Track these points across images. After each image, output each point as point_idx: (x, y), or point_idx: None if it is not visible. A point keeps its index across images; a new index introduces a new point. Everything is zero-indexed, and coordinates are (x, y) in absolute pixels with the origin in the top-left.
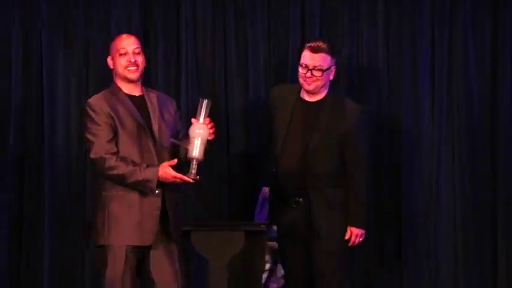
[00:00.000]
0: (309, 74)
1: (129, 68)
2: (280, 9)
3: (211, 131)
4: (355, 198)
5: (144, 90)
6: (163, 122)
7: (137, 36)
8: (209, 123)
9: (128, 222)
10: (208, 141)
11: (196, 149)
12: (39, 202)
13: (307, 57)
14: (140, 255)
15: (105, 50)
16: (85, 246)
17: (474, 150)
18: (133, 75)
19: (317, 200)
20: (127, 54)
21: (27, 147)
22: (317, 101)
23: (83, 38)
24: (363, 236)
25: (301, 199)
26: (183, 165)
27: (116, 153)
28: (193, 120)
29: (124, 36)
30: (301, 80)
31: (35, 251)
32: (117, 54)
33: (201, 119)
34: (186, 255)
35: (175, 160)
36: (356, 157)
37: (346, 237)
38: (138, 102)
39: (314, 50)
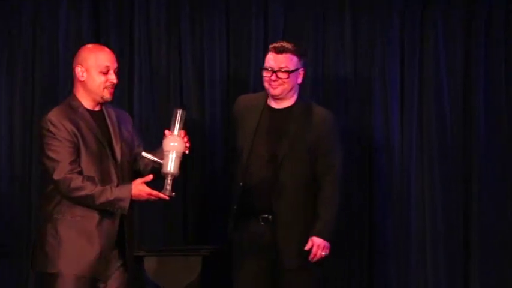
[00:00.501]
0: (273, 77)
1: (108, 89)
2: (241, 25)
3: (187, 144)
4: (324, 209)
5: (102, 105)
6: (124, 141)
7: None
8: (184, 135)
9: (81, 250)
10: (183, 154)
11: (171, 164)
12: None
13: (271, 58)
14: (91, 285)
15: (52, 59)
16: (29, 274)
17: (446, 164)
18: (110, 96)
19: (286, 218)
20: (108, 72)
21: None
22: (285, 108)
23: (29, 47)
24: (327, 250)
25: (270, 216)
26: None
27: (81, 172)
28: (167, 132)
29: (107, 50)
30: (266, 85)
31: None
32: (97, 70)
33: (176, 131)
34: (139, 284)
35: (151, 176)
36: (327, 167)
37: (307, 247)
38: (98, 118)
39: (278, 51)
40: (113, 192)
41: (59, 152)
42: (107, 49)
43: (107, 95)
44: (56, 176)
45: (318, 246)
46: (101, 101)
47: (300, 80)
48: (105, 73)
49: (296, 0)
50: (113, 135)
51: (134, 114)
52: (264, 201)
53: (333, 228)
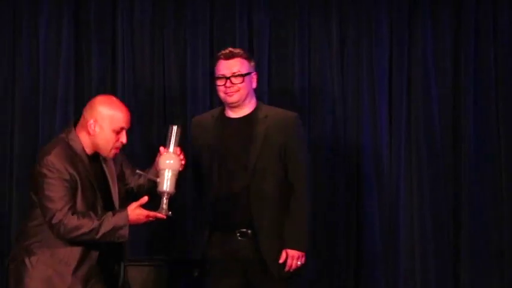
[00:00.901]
0: (228, 84)
1: (115, 149)
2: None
3: (182, 161)
4: (295, 216)
5: None
6: (118, 180)
7: None
8: (180, 152)
9: None
10: (179, 172)
11: (167, 182)
12: None
13: (222, 65)
14: None
15: (33, 62)
16: None
17: (435, 166)
18: (113, 156)
19: (269, 230)
20: (121, 133)
21: None
22: (246, 116)
23: (9, 50)
24: (303, 259)
25: (249, 230)
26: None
27: (76, 211)
28: (162, 149)
29: (124, 110)
30: (221, 95)
31: None
32: (110, 129)
33: (171, 148)
34: None
35: (146, 198)
36: (295, 172)
37: (281, 260)
38: (95, 163)
39: (228, 56)
40: (110, 222)
41: (58, 195)
42: (124, 108)
43: (111, 154)
44: (54, 220)
45: (292, 257)
46: (102, 155)
47: (254, 85)
48: (119, 133)
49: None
50: (110, 182)
51: None
52: (241, 214)
53: (306, 237)
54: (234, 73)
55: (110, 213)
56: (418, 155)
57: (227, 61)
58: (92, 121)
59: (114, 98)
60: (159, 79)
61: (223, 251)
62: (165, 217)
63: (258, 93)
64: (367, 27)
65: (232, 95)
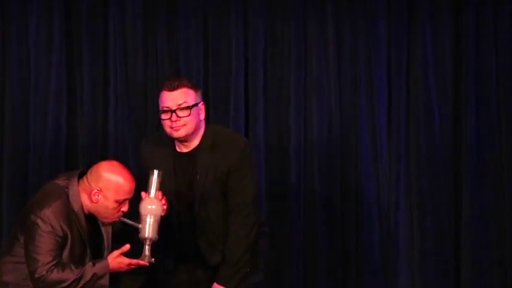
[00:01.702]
0: (174, 117)
1: (115, 218)
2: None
3: (164, 206)
4: (230, 252)
5: None
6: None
7: None
8: (162, 197)
9: None
10: (161, 217)
11: (149, 228)
12: None
13: (166, 98)
14: None
15: (23, 62)
16: None
17: (435, 169)
18: (111, 222)
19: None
20: (125, 205)
21: None
22: (193, 150)
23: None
24: None
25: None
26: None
27: (58, 264)
28: (143, 194)
29: (129, 179)
30: (168, 130)
31: None
32: (114, 200)
33: (152, 193)
34: None
35: (127, 246)
36: (236, 204)
37: None
38: (93, 225)
39: (172, 87)
40: (91, 272)
41: (47, 248)
42: (130, 178)
43: (108, 221)
44: (37, 274)
45: None
46: (101, 220)
47: (202, 116)
48: (122, 204)
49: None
50: (105, 238)
51: (109, 127)
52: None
53: (241, 275)
54: (179, 105)
55: (90, 263)
56: (418, 154)
57: (172, 92)
58: (96, 190)
59: (120, 167)
60: (152, 77)
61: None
62: (147, 264)
63: (255, 96)
64: (364, 27)
65: (179, 129)
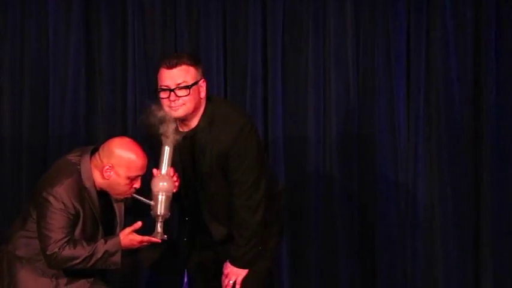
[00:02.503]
0: (172, 97)
1: (127, 194)
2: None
3: (176, 183)
4: (238, 234)
5: None
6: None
7: None
8: (173, 174)
9: None
10: (173, 193)
11: (161, 205)
12: None
13: (165, 76)
14: None
15: (41, 46)
16: None
17: (456, 162)
18: (124, 199)
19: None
20: (137, 181)
21: None
22: (193, 129)
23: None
24: (240, 277)
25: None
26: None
27: (70, 241)
28: (154, 171)
29: (141, 156)
30: (166, 109)
31: None
32: (126, 176)
33: (164, 170)
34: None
35: (139, 223)
36: (238, 185)
37: (225, 271)
38: (106, 202)
39: (171, 65)
40: (102, 249)
41: (59, 225)
42: (142, 154)
43: (120, 197)
44: (49, 251)
45: (231, 274)
46: (113, 196)
47: (203, 94)
48: (134, 180)
49: None
50: (117, 214)
51: (128, 102)
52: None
53: (250, 256)
54: (178, 84)
55: (102, 240)
56: (437, 127)
57: (170, 70)
58: (108, 166)
59: (132, 144)
60: (171, 51)
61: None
62: (160, 241)
63: (272, 77)
64: (382, 9)
65: (177, 109)
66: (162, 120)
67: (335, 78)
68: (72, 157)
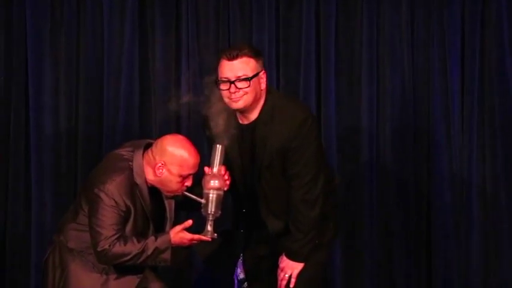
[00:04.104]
0: (233, 89)
1: (178, 192)
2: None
3: (227, 181)
4: (296, 228)
5: None
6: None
7: None
8: (224, 172)
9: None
10: (224, 192)
11: (211, 204)
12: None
13: (225, 67)
14: None
15: (96, 34)
16: None
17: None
18: (173, 196)
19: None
20: (188, 179)
21: None
22: (253, 122)
23: (74, 20)
24: (295, 271)
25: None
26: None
27: (121, 238)
28: (206, 169)
29: (194, 154)
30: (226, 101)
31: None
32: (178, 175)
33: (215, 168)
34: None
35: (190, 222)
36: (297, 179)
37: (281, 265)
38: (157, 198)
39: (231, 57)
40: (153, 246)
41: (110, 222)
42: (194, 153)
43: (170, 195)
44: (99, 248)
45: (286, 266)
46: (164, 194)
47: (263, 86)
48: (186, 179)
49: None
50: (168, 211)
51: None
52: (257, 223)
53: (307, 250)
54: (239, 77)
55: (153, 237)
56: (491, 121)
57: (231, 62)
58: (160, 164)
59: (185, 142)
60: (224, 43)
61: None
62: (210, 240)
63: (325, 71)
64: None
65: (238, 100)
66: (217, 115)
67: (389, 70)
68: (124, 152)
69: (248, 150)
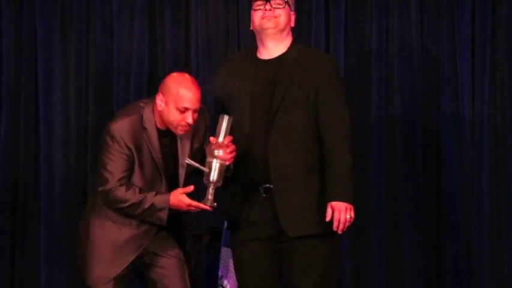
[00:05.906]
0: (268, 6)
1: (182, 127)
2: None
3: (231, 154)
4: (336, 170)
5: None
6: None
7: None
8: (229, 144)
9: (112, 257)
10: (227, 166)
11: (214, 172)
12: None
13: None
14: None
15: (106, 27)
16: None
17: None
18: (182, 133)
19: (284, 188)
20: (187, 112)
21: None
22: (279, 57)
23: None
24: (352, 213)
25: (271, 185)
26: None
27: (125, 183)
28: (211, 139)
29: (191, 88)
30: (257, 22)
31: None
32: (174, 107)
33: (221, 138)
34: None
35: (192, 187)
36: (333, 119)
37: (327, 217)
38: (168, 138)
39: None
40: (150, 201)
41: (114, 163)
42: (192, 88)
43: (179, 132)
44: (101, 188)
45: (340, 210)
46: (173, 131)
47: (292, 23)
48: (183, 112)
49: None
50: (180, 160)
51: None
52: (261, 169)
53: (351, 190)
54: None
55: (153, 192)
56: (504, 123)
57: None
58: (159, 97)
59: (186, 76)
60: (233, 39)
61: (246, 213)
62: (210, 208)
63: (334, 55)
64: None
65: (271, 19)
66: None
67: (398, 61)
68: (142, 101)
69: (267, 85)
